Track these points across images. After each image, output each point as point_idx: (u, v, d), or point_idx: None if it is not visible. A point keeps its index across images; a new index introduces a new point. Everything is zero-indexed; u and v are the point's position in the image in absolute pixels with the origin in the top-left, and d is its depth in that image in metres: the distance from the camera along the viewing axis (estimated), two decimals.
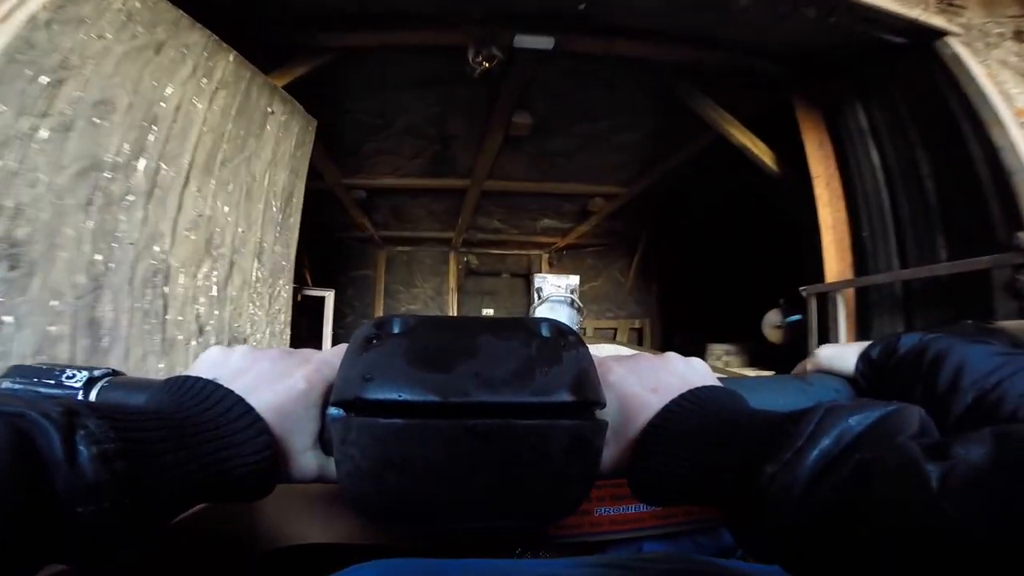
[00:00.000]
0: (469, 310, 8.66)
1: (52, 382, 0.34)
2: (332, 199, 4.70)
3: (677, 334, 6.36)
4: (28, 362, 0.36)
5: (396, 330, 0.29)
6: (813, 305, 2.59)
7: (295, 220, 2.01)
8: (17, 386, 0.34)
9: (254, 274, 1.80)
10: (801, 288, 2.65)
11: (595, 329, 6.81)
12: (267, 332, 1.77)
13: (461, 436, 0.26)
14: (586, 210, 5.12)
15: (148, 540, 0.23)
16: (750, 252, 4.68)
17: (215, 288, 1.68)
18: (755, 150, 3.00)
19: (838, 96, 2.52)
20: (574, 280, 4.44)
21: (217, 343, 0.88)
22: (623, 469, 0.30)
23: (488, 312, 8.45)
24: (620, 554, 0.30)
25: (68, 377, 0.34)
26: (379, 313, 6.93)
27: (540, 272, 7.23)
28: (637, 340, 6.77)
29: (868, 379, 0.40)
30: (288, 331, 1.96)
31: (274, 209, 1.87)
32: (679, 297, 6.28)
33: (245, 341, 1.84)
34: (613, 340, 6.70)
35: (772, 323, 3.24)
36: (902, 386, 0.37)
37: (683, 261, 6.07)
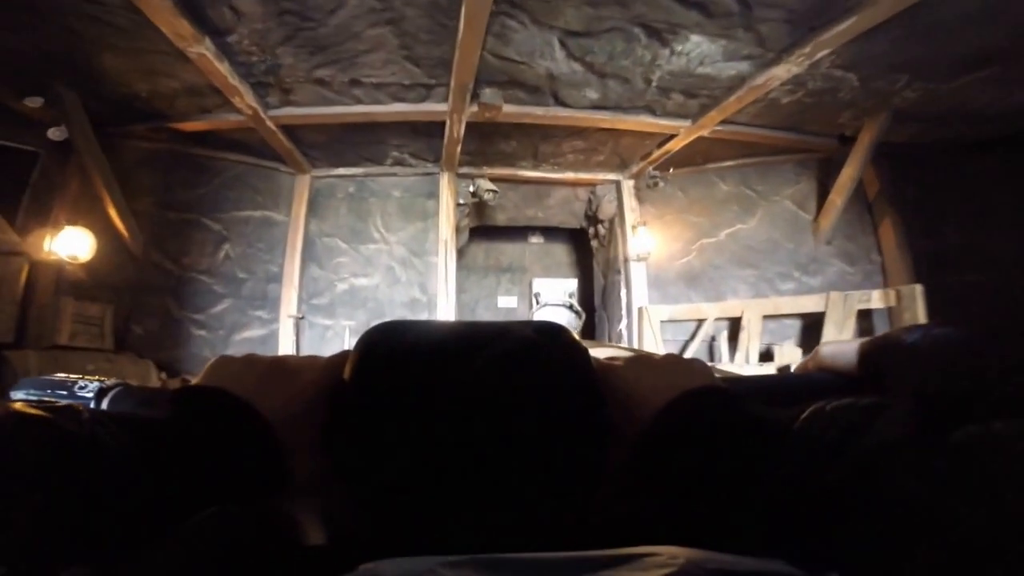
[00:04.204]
0: (477, 298, 5.03)
1: (65, 392, 0.37)
2: None
3: None
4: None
5: (398, 336, 0.33)
6: None
7: None
8: (32, 397, 0.36)
9: None
10: None
11: (764, 318, 3.12)
12: None
13: (464, 438, 0.28)
14: None
15: (162, 542, 0.24)
16: None
17: None
18: None
19: None
20: (572, 284, 4.36)
21: None
22: (626, 468, 0.31)
23: (508, 303, 5.05)
24: (628, 557, 0.26)
25: (80, 388, 0.37)
26: (290, 293, 3.30)
27: (622, 208, 3.61)
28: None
29: (871, 374, 0.43)
30: None
31: None
32: None
33: None
34: (819, 333, 3.03)
35: None
36: (908, 379, 0.39)
37: None
